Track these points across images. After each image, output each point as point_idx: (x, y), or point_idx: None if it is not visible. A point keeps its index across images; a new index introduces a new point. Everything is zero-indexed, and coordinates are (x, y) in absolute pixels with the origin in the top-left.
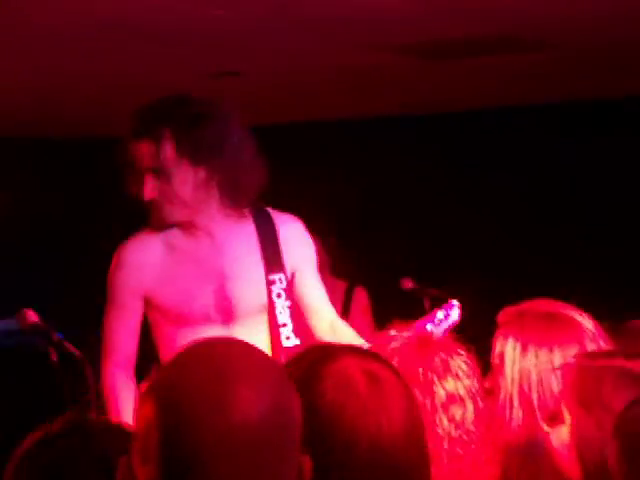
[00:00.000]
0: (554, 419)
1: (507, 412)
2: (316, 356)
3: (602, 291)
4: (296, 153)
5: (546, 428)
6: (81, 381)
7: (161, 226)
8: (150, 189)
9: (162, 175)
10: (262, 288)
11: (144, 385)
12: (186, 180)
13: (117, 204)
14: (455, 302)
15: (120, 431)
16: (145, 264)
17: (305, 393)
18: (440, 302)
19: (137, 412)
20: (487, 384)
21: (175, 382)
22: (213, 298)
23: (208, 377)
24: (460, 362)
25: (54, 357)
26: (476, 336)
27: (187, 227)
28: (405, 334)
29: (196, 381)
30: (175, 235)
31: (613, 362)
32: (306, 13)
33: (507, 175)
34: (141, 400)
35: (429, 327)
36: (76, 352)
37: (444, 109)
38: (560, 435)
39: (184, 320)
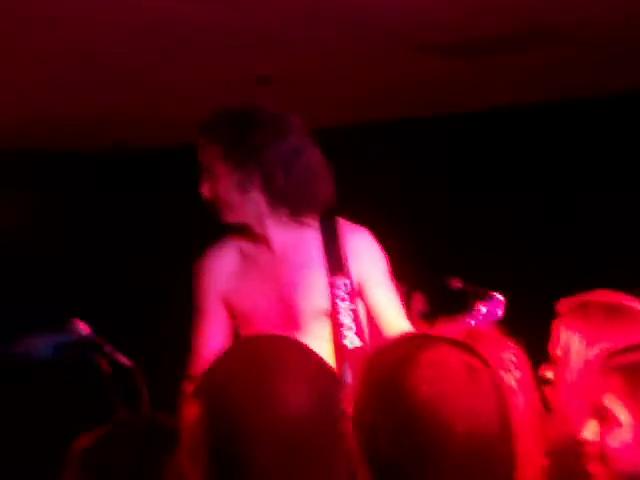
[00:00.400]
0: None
1: (571, 404)
2: (412, 344)
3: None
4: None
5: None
6: (133, 391)
7: (226, 226)
8: (204, 188)
9: (212, 176)
10: (323, 293)
11: (189, 387)
12: (228, 181)
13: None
14: (497, 295)
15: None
16: (222, 271)
17: (401, 381)
18: (484, 298)
19: (183, 413)
20: (540, 374)
21: (219, 381)
22: (275, 305)
23: (251, 373)
24: (510, 354)
25: (106, 368)
26: (518, 329)
27: (252, 235)
28: (453, 330)
29: (239, 378)
30: (245, 243)
31: None
32: (337, 14)
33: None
34: (187, 402)
35: (472, 322)
36: (128, 362)
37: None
38: (618, 437)
39: (253, 326)
